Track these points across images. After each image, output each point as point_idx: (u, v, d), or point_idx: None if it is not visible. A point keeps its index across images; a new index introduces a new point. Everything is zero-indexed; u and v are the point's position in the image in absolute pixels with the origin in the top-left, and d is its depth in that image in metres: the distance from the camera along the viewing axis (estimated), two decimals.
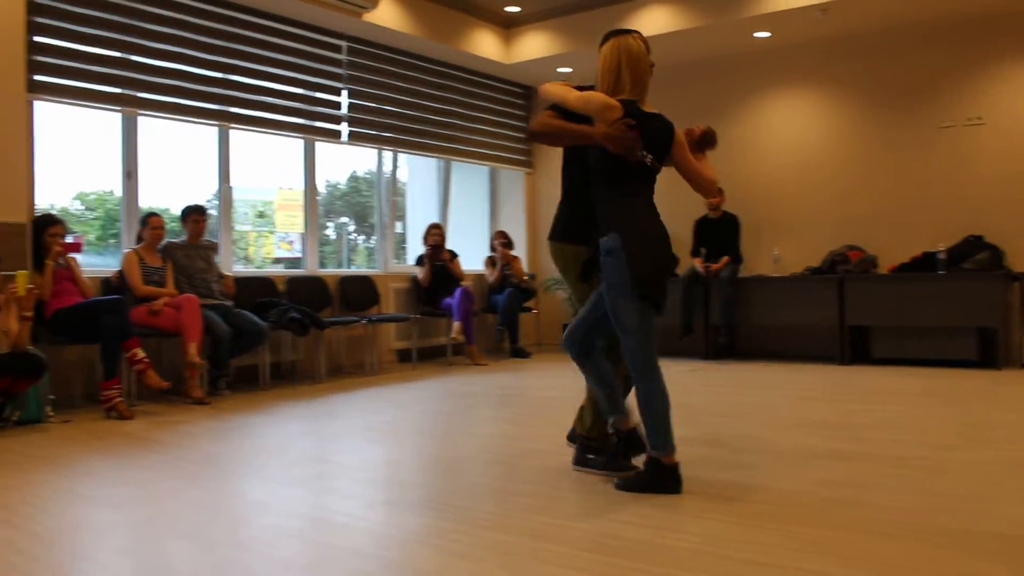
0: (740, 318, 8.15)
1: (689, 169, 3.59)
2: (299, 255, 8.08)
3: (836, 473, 3.49)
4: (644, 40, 3.50)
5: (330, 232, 9.16)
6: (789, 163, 8.62)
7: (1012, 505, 2.97)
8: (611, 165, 3.31)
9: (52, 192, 6.12)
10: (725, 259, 8.19)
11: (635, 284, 3.25)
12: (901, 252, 7.70)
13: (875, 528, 2.73)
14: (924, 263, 7.41)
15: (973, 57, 7.67)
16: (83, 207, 6.89)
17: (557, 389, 6.40)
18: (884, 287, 7.48)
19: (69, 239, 5.66)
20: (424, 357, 8.57)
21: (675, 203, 9.14)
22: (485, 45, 8.88)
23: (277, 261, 8.12)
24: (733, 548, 2.55)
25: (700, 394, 5.95)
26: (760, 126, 8.80)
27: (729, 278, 8.07)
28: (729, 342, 8.20)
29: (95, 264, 6.47)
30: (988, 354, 7.21)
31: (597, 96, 3.31)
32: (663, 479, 3.23)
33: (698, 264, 8.27)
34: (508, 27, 9.15)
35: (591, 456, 3.64)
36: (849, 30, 8.09)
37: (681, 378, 6.91)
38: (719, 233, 8.40)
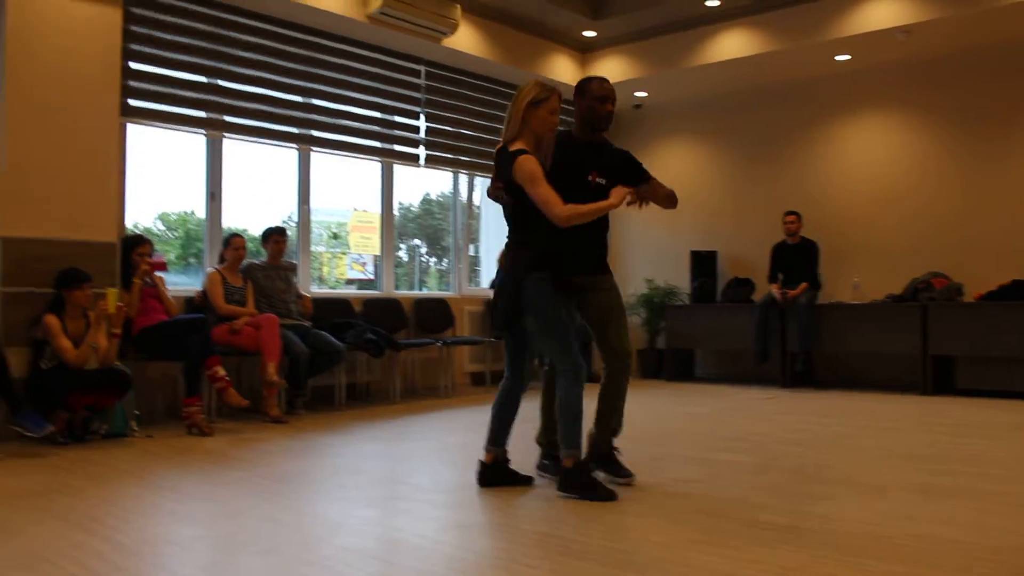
0: (818, 345, 7.99)
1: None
2: (371, 277, 8.19)
3: (922, 508, 3.38)
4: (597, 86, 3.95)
5: (402, 254, 9.26)
6: (870, 188, 8.44)
7: None
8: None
9: (135, 212, 6.32)
10: (803, 285, 8.04)
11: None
12: (988, 280, 7.45)
13: (965, 567, 2.63)
14: (1013, 291, 7.16)
15: None
16: (164, 227, 7.09)
17: (628, 414, 6.34)
18: (970, 315, 7.25)
19: (155, 258, 5.84)
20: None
21: (751, 228, 9.06)
22: (561, 69, 8.93)
23: (350, 282, 8.24)
24: None
25: (777, 422, 5.84)
26: (840, 150, 8.64)
27: (807, 304, 7.92)
28: (807, 369, 8.03)
29: (176, 283, 6.65)
30: None
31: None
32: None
33: (775, 290, 8.14)
34: (584, 52, 9.18)
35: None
36: (932, 52, 7.90)
37: (757, 405, 6.79)
38: (797, 259, 8.26)
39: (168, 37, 6.28)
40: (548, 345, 3.70)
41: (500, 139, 3.75)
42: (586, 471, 3.63)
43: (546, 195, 3.49)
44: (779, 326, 8.12)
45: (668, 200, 4.02)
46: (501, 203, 3.74)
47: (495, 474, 3.79)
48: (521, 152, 3.56)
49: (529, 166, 3.52)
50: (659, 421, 6.02)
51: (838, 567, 2.62)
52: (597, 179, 3.86)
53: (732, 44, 8.14)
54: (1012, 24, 7.15)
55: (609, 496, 3.52)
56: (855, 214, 8.49)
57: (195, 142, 6.73)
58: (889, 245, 8.27)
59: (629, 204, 3.88)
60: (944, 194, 8.01)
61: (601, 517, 3.26)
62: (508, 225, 3.78)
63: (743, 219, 9.24)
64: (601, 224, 3.91)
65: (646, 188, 3.93)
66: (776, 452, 4.67)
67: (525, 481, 3.85)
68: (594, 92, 3.93)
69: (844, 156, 8.61)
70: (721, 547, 2.84)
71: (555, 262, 3.64)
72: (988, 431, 5.41)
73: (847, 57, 8.08)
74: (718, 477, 4.00)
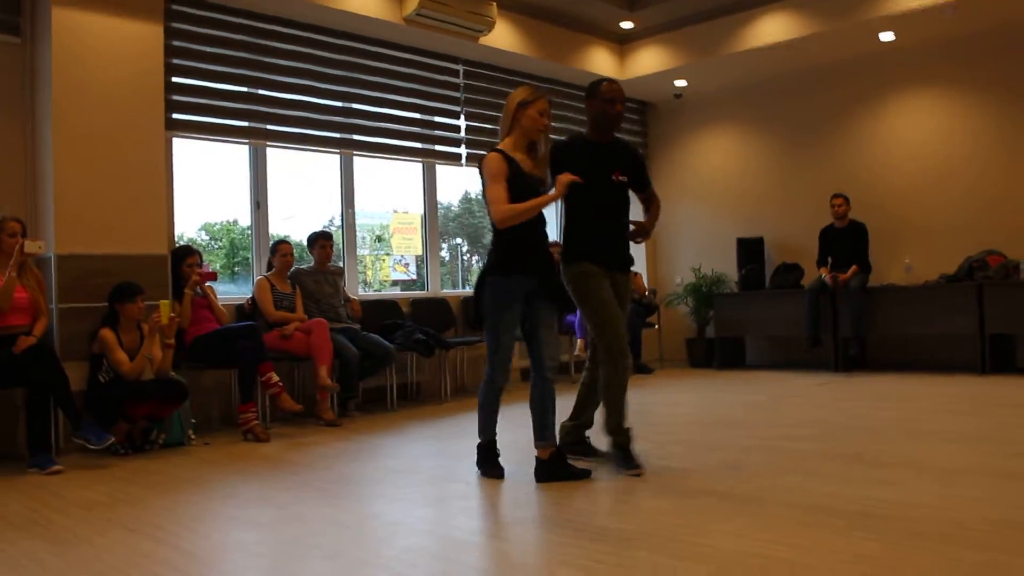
0: (870, 329, 7.86)
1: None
2: (414, 277, 8.21)
3: (994, 491, 3.30)
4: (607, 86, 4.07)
5: (444, 253, 9.28)
6: (918, 168, 8.28)
7: None
8: None
9: (180, 222, 6.39)
10: (853, 268, 7.91)
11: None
12: None
13: None
14: None
15: None
16: (208, 237, 7.17)
17: (682, 405, 6.30)
18: None
19: (205, 269, 5.90)
20: None
21: (798, 213, 8.93)
22: (600, 62, 8.87)
23: (394, 284, 8.27)
24: (892, 572, 2.43)
25: (833, 408, 5.75)
26: (885, 130, 8.49)
27: (858, 288, 7.79)
28: (859, 353, 7.90)
29: (225, 292, 6.72)
30: None
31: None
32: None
33: (825, 274, 8.02)
34: (623, 43, 9.12)
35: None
36: (979, 28, 7.71)
37: (811, 391, 6.70)
38: (846, 242, 8.12)
39: (208, 49, 6.34)
40: (487, 341, 4.03)
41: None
42: (561, 460, 3.89)
43: (492, 195, 3.68)
44: (830, 311, 8.00)
45: (656, 212, 4.33)
46: None
47: (552, 468, 3.82)
48: (493, 151, 3.77)
49: (492, 165, 3.72)
50: (714, 410, 5.96)
51: (915, 554, 2.56)
52: (620, 177, 4.07)
53: (771, 28, 8.03)
54: None
55: (584, 474, 3.82)
56: (904, 195, 8.34)
57: (238, 152, 6.79)
58: (940, 224, 8.10)
59: (638, 242, 4.21)
60: (993, 171, 7.83)
61: (664, 508, 3.23)
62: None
63: (789, 204, 9.12)
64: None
65: (644, 220, 4.24)
66: (836, 438, 4.60)
67: (583, 475, 3.82)
68: (604, 95, 4.09)
69: (890, 136, 8.46)
70: (795, 537, 2.79)
71: (519, 262, 3.84)
72: None
73: (891, 35, 7.92)
74: (781, 465, 3.94)
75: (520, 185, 3.76)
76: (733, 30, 8.25)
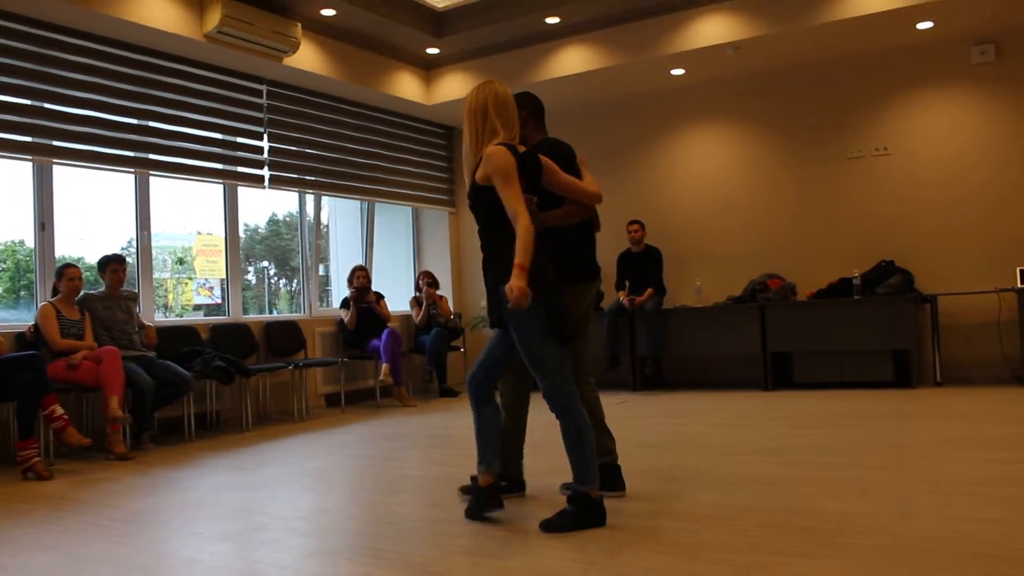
0: (665, 349, 8.28)
1: (569, 187, 3.62)
2: (219, 301, 7.95)
3: (769, 498, 3.56)
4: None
5: (251, 276, 9.03)
6: (708, 197, 8.83)
7: (930, 520, 3.07)
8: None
9: None
10: (649, 291, 8.32)
11: (552, 321, 3.25)
12: (818, 279, 7.94)
13: (807, 551, 2.78)
14: (840, 289, 7.64)
15: (877, 90, 8.01)
16: None
17: (463, 424, 6.38)
18: (803, 313, 7.69)
19: None
20: (352, 401, 8.48)
21: (599, 238, 9.27)
22: (406, 86, 8.93)
23: (197, 308, 7.97)
24: None
25: (630, 426, 6.00)
26: (678, 161, 9.00)
27: (653, 310, 8.19)
28: (655, 373, 8.31)
29: (6, 319, 6.26)
30: (902, 374, 7.45)
31: (497, 156, 3.29)
32: (593, 513, 3.26)
33: (623, 297, 8.38)
34: (428, 68, 9.21)
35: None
36: (761, 67, 8.37)
37: (610, 411, 6.92)
38: (642, 266, 8.53)
39: None
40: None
41: (515, 145, 3.43)
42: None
43: (513, 200, 3.27)
44: (628, 331, 8.36)
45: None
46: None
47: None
48: (501, 144, 3.36)
49: (504, 160, 3.29)
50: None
51: (699, 563, 2.72)
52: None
53: (572, 60, 8.35)
54: (830, 41, 7.64)
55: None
56: (695, 221, 8.86)
57: (21, 168, 6.35)
58: (727, 250, 8.67)
59: None
60: (775, 200, 8.47)
61: (455, 531, 3.27)
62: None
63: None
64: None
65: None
66: (631, 455, 4.79)
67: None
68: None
69: (683, 166, 8.97)
70: (582, 552, 2.90)
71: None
72: (823, 421, 5.74)
73: (682, 71, 8.43)
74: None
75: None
76: (536, 59, 8.52)
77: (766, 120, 8.54)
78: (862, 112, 8.08)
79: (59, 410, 5.27)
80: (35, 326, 5.89)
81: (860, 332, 7.41)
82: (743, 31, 7.50)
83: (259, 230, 9.30)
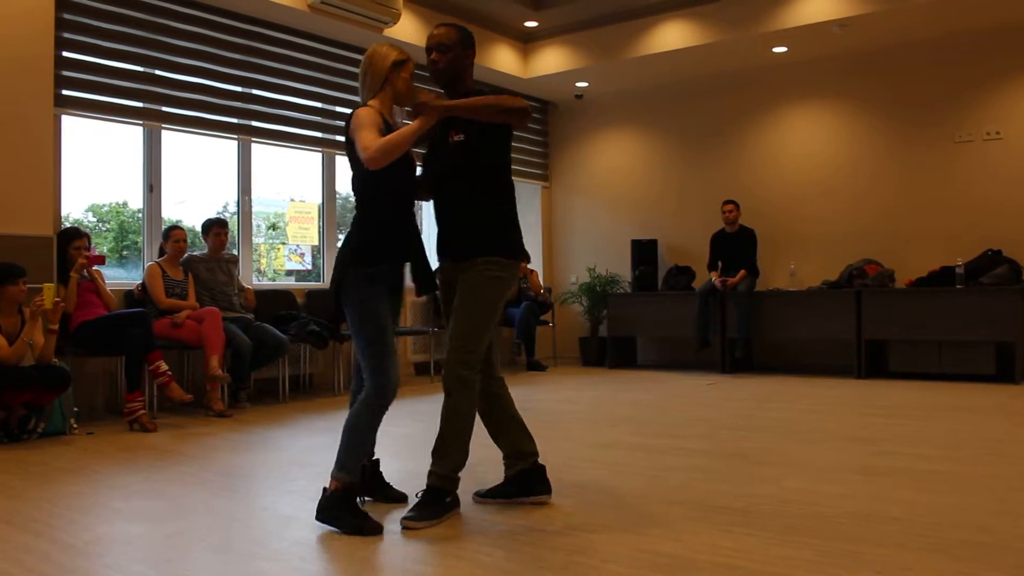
0: (757, 332, 8.16)
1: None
2: (309, 267, 8.13)
3: (860, 487, 3.50)
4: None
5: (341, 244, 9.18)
6: (806, 178, 8.63)
7: None
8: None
9: (67, 203, 6.16)
10: (742, 273, 8.20)
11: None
12: (919, 266, 7.70)
13: (900, 541, 2.73)
14: (942, 277, 7.40)
15: (990, 72, 7.69)
16: (96, 219, 6.93)
17: (573, 403, 6.42)
18: (901, 301, 7.47)
19: (92, 252, 5.71)
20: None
21: (691, 217, 9.19)
22: (503, 59, 8.94)
23: (288, 273, 8.16)
24: (764, 562, 2.55)
25: (719, 408, 5.95)
26: (777, 141, 8.82)
27: (746, 292, 8.08)
28: (746, 355, 8.20)
29: (113, 276, 6.53)
30: (1006, 368, 7.19)
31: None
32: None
33: (715, 278, 8.28)
34: (526, 42, 9.20)
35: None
36: (867, 45, 8.11)
37: (699, 392, 6.91)
38: (735, 247, 8.41)
39: (102, 25, 6.14)
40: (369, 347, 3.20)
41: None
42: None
43: (365, 140, 3.01)
44: (719, 313, 8.27)
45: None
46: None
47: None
48: (364, 106, 3.20)
49: (366, 115, 3.11)
50: (604, 408, 6.09)
51: (788, 547, 2.70)
52: (456, 136, 3.34)
53: (672, 35, 8.24)
54: (941, 18, 7.36)
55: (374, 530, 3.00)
56: (791, 204, 8.68)
57: (131, 132, 6.59)
58: (825, 233, 8.47)
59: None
60: (877, 183, 8.23)
61: (553, 503, 3.30)
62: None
63: (683, 208, 9.38)
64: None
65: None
66: (721, 437, 4.77)
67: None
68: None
69: (782, 146, 8.78)
70: (679, 532, 2.90)
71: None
72: (920, 411, 5.59)
73: (784, 49, 8.23)
74: (666, 463, 4.07)
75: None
76: (634, 35, 8.43)
77: (870, 100, 8.29)
78: (973, 94, 7.77)
79: (164, 366, 5.48)
80: (143, 285, 6.13)
81: (961, 323, 7.16)
82: (851, 8, 7.28)
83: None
